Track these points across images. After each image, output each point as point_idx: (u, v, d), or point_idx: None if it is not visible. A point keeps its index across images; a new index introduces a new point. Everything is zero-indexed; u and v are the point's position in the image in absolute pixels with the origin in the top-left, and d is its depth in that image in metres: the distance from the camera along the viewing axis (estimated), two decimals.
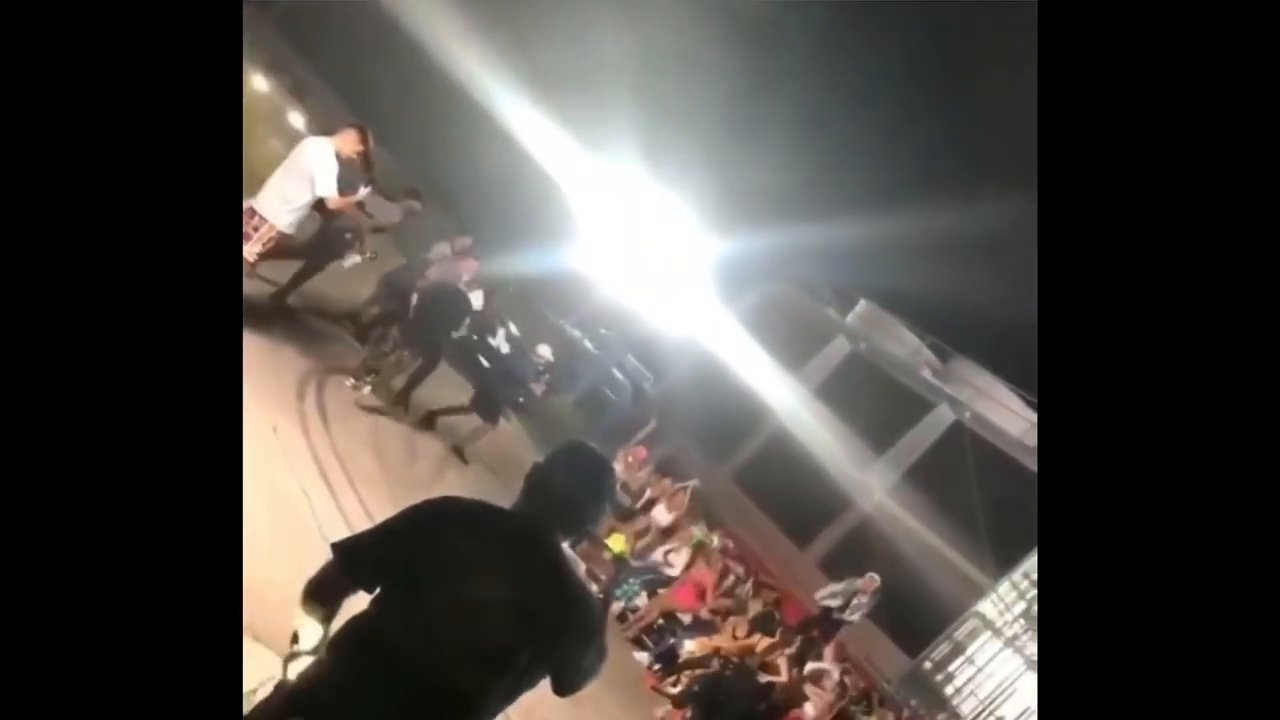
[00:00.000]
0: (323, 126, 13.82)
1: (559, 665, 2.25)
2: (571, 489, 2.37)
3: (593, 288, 16.37)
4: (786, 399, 16.66)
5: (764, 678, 9.32)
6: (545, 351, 11.31)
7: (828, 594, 11.67)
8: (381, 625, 2.18)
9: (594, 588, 2.95)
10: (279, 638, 2.33)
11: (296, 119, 14.31)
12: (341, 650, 2.19)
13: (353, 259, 9.45)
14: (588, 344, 16.47)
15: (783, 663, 9.50)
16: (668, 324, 16.70)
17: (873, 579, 11.56)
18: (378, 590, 2.27)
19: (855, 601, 11.30)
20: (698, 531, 11.63)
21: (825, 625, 11.11)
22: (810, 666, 9.69)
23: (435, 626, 2.13)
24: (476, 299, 10.10)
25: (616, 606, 10.18)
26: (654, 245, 16.29)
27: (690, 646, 9.67)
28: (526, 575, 2.21)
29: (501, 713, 2.22)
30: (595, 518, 2.43)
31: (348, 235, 9.21)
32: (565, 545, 2.36)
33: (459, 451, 9.41)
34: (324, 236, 8.73)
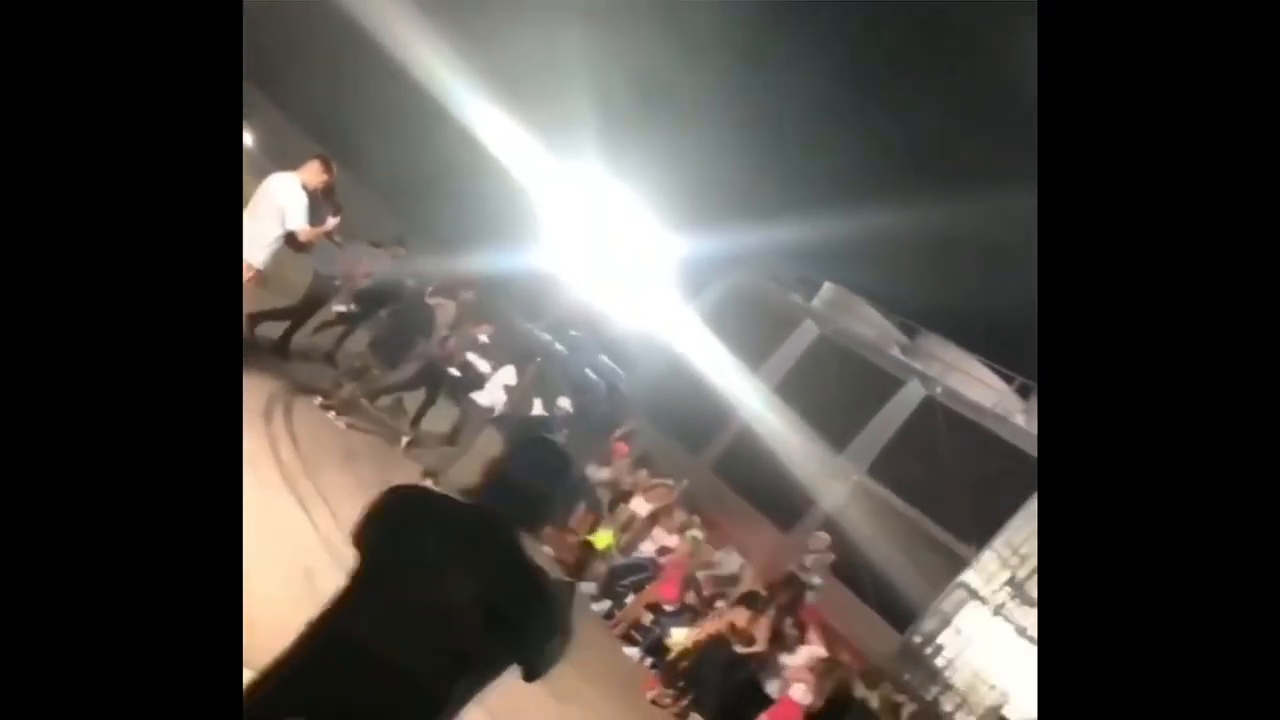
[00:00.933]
0: (275, 145, 13.73)
1: (526, 656, 2.25)
2: (532, 484, 2.37)
3: (559, 289, 16.29)
4: (757, 388, 16.57)
5: (741, 649, 9.24)
6: (565, 404, 11.35)
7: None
8: (346, 620, 2.16)
9: (560, 572, 2.93)
10: (261, 657, 2.26)
11: (246, 138, 14.11)
12: (306, 647, 2.16)
13: (341, 307, 9.67)
14: (559, 347, 16.26)
15: (759, 630, 9.41)
16: (636, 321, 16.65)
17: (820, 537, 11.48)
18: (342, 586, 2.25)
19: (810, 560, 11.09)
20: (693, 532, 11.55)
21: (791, 589, 10.76)
22: (802, 651, 9.57)
23: (400, 621, 2.13)
24: (508, 374, 10.16)
25: (605, 605, 10.11)
26: (619, 244, 16.30)
27: (678, 635, 9.57)
28: (490, 570, 2.21)
29: (468, 703, 2.21)
30: (557, 511, 2.44)
31: (337, 283, 9.41)
32: (528, 537, 2.35)
33: (433, 475, 9.32)
34: (315, 287, 8.94)
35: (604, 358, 16.32)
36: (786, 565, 11.92)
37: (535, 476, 2.39)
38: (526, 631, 2.22)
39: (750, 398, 16.48)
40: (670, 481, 12.23)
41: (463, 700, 2.19)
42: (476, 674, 2.19)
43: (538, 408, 10.95)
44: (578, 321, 16.36)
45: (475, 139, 15.55)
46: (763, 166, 17.15)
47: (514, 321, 15.60)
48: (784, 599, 10.27)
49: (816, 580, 11.12)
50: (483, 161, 15.73)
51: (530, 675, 2.28)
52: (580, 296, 16.41)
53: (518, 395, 10.55)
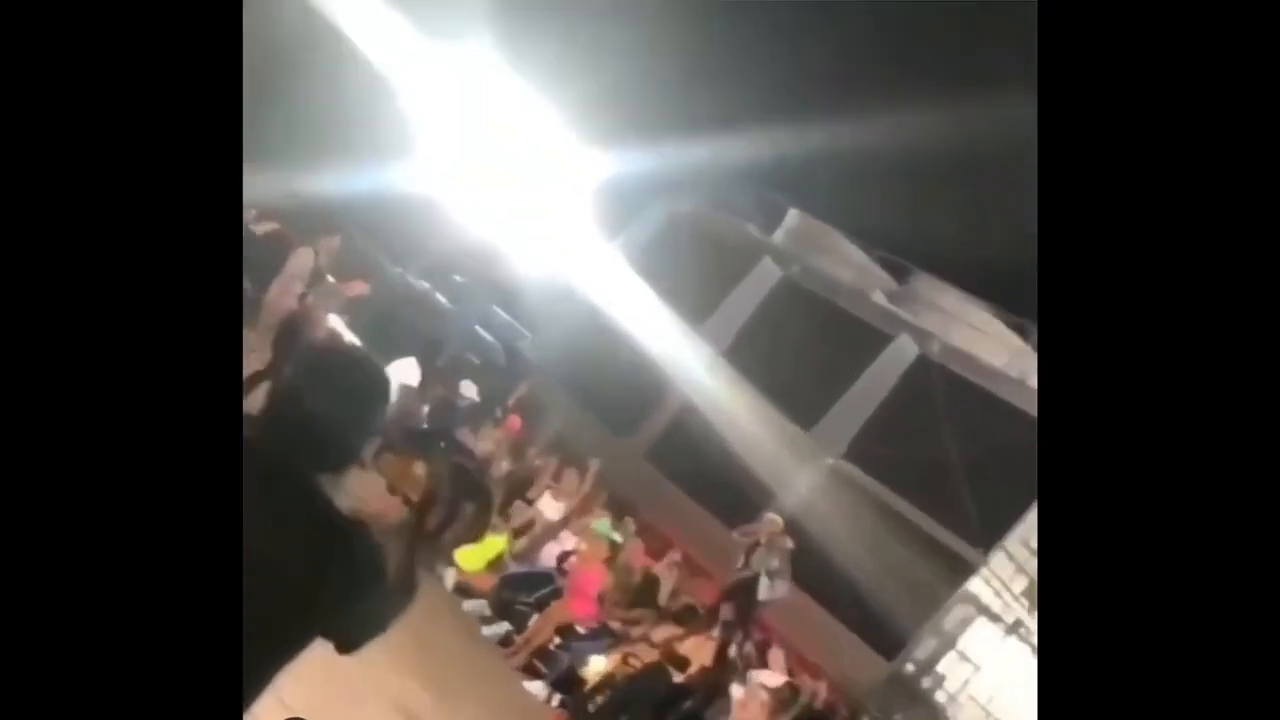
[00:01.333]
0: None
1: (326, 624, 2.11)
2: (326, 411, 2.16)
3: (439, 219, 14.17)
4: (701, 351, 14.45)
5: (679, 676, 8.87)
6: (470, 391, 10.94)
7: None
8: None
9: (403, 512, 2.93)
10: None
11: None
12: None
13: None
14: (439, 297, 13.90)
15: (701, 653, 9.04)
16: (542, 264, 14.58)
17: (770, 519, 10.21)
18: None
19: (759, 558, 9.84)
20: (599, 525, 10.51)
21: (740, 595, 9.77)
22: (755, 677, 9.17)
23: None
24: (408, 369, 10.01)
25: (501, 628, 9.33)
26: (519, 160, 14.27)
27: (598, 664, 9.02)
28: (271, 520, 2.02)
29: (265, 680, 2.07)
30: (356, 448, 2.28)
31: None
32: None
33: None
34: None
35: (500, 311, 14.42)
36: (731, 565, 10.47)
37: (330, 402, 2.18)
38: (320, 595, 2.10)
39: (692, 363, 14.16)
40: (593, 465, 11.28)
41: (255, 675, 2.05)
42: (266, 643, 2.05)
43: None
44: (464, 264, 14.50)
45: (322, 14, 13.16)
46: (707, 64, 14.98)
47: (396, 279, 13.60)
48: (731, 610, 9.61)
49: (775, 563, 9.78)
50: (333, 45, 13.37)
51: (341, 648, 2.21)
52: (467, 230, 14.29)
53: (412, 398, 10.11)
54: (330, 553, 2.08)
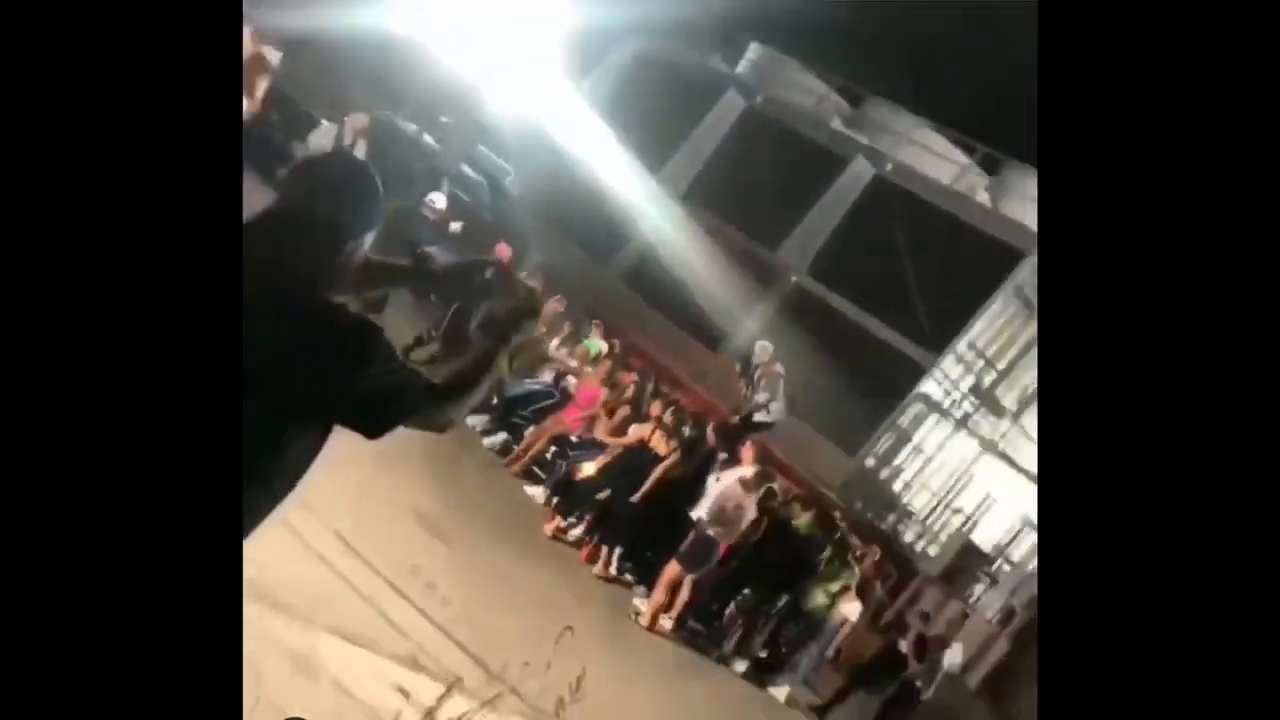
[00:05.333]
0: None
1: (334, 406, 2.17)
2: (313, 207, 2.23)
3: (420, 64, 14.69)
4: (664, 186, 15.46)
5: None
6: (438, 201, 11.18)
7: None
8: None
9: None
10: None
11: None
12: None
13: None
14: (428, 139, 14.69)
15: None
16: (519, 105, 15.20)
17: (763, 347, 10.87)
18: None
19: (761, 381, 10.60)
20: (590, 343, 11.35)
21: (740, 433, 10.38)
22: (732, 474, 9.25)
23: None
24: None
25: (498, 439, 9.89)
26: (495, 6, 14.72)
27: (589, 469, 9.30)
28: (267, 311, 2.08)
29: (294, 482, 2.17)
30: (351, 238, 2.26)
31: None
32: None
33: None
34: None
35: (484, 149, 14.96)
36: (727, 398, 11.40)
37: (320, 196, 2.24)
38: (320, 376, 2.14)
39: (655, 199, 15.24)
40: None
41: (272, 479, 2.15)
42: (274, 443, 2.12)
43: None
44: (446, 105, 15.00)
45: None
46: None
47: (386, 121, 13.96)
48: (722, 434, 9.88)
49: (774, 406, 10.61)
50: None
51: (365, 431, 2.22)
52: (448, 73, 14.90)
53: None
54: (348, 343, 2.15)
